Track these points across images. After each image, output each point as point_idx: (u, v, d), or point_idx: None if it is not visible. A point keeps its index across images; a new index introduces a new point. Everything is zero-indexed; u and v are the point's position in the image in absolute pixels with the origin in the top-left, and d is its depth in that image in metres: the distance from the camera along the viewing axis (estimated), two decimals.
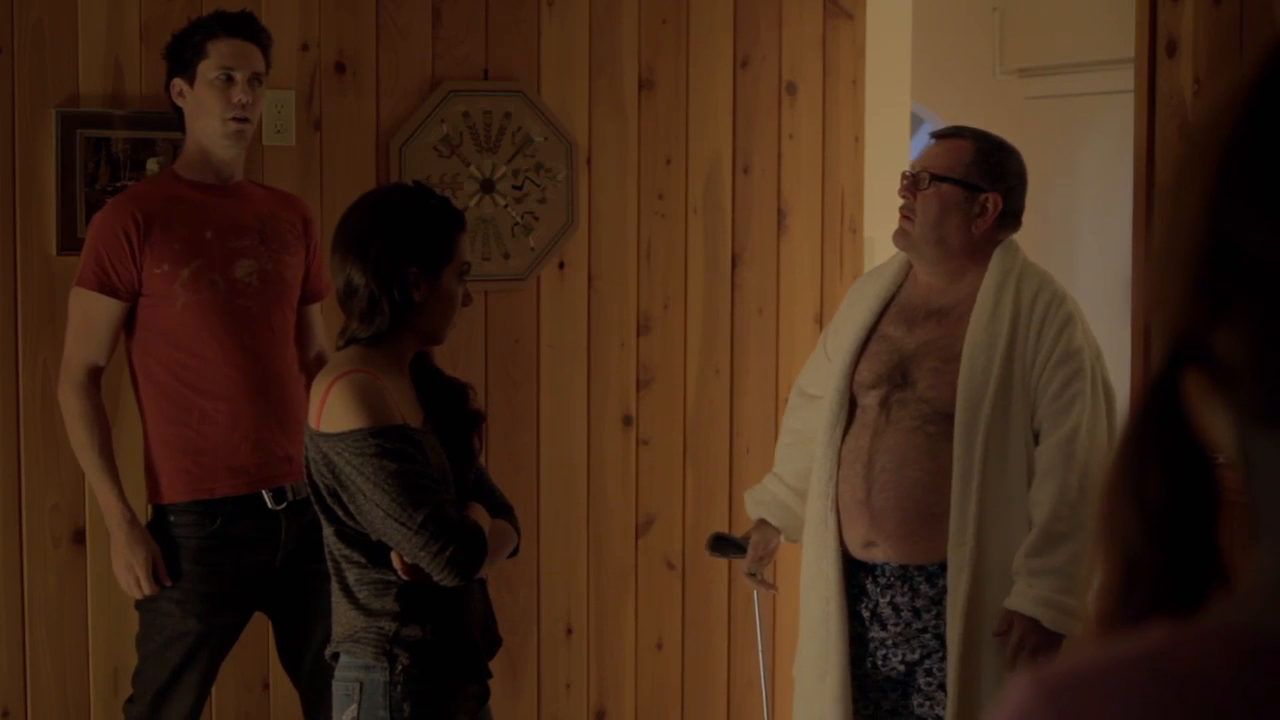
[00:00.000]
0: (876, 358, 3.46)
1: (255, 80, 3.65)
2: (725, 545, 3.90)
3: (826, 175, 4.78)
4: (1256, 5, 3.64)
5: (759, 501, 3.73)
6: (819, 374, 3.65)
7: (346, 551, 2.92)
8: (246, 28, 3.68)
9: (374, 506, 2.85)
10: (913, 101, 5.01)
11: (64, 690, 4.03)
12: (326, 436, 2.88)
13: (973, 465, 3.29)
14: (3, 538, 3.97)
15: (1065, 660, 0.83)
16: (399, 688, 2.90)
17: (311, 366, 3.79)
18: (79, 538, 4.01)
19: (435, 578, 2.89)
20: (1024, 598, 3.28)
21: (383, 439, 2.84)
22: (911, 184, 3.43)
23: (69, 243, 3.94)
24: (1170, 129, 3.88)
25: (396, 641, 2.91)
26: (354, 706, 2.92)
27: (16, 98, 3.94)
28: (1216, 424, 0.84)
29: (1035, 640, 3.27)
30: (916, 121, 5.39)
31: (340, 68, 4.24)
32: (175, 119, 3.72)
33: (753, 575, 3.71)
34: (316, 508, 2.95)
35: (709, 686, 4.70)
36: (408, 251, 2.95)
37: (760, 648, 4.02)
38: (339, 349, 3.01)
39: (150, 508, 3.67)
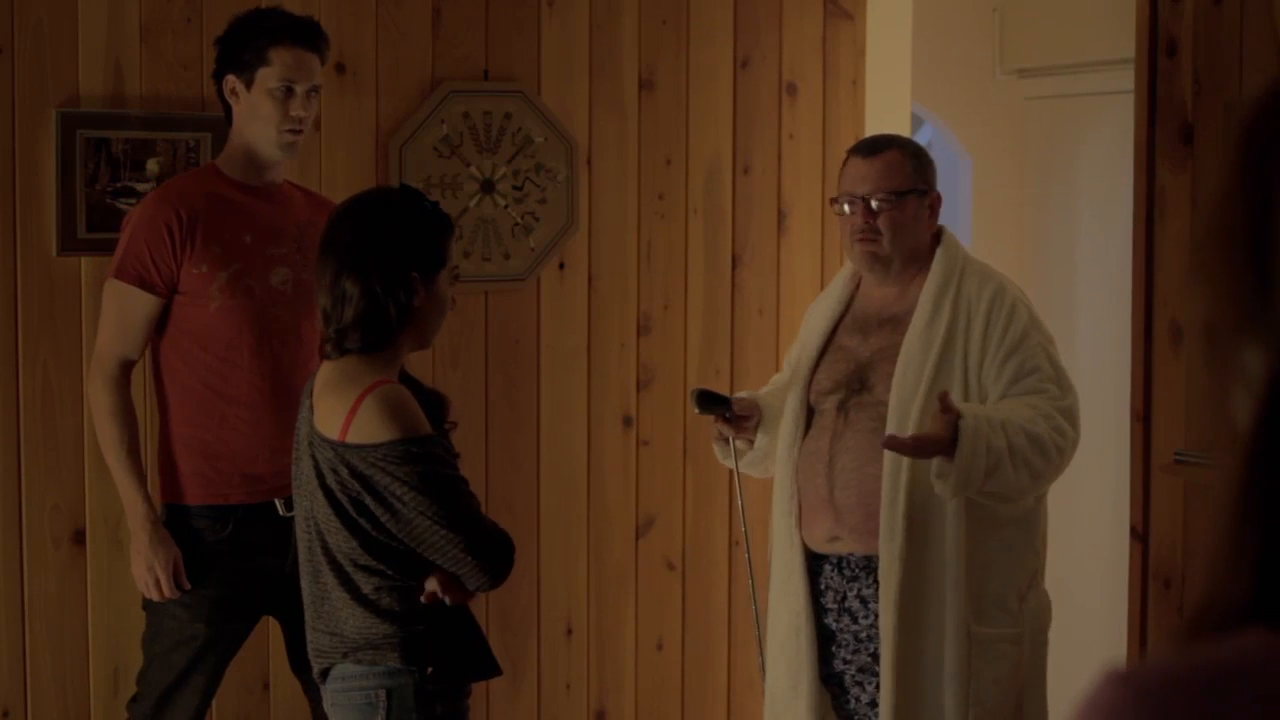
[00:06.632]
0: (834, 366, 3.54)
1: (313, 92, 3.61)
2: (712, 400, 3.58)
3: (826, 175, 4.77)
4: (1256, 5, 3.64)
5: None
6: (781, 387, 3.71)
7: (369, 562, 2.90)
8: (313, 37, 3.60)
9: (419, 515, 2.84)
10: (913, 101, 5.01)
11: (64, 690, 4.02)
12: (358, 448, 2.85)
13: (901, 462, 3.33)
14: (3, 538, 3.97)
15: (1155, 660, 0.80)
16: (429, 688, 2.91)
17: None
18: (79, 538, 4.01)
19: (470, 584, 2.91)
20: (977, 417, 3.23)
21: (425, 447, 2.84)
22: (869, 210, 3.46)
23: (69, 243, 3.93)
24: (1170, 129, 3.88)
25: (426, 644, 2.91)
26: (381, 714, 2.90)
27: (16, 98, 3.93)
28: None
29: (937, 440, 3.20)
30: (916, 121, 5.39)
31: (340, 68, 4.24)
32: (222, 114, 3.66)
33: (726, 420, 3.55)
34: (336, 520, 2.90)
35: (709, 686, 4.70)
36: (410, 257, 2.94)
37: (758, 630, 3.95)
38: (331, 358, 2.97)
39: (161, 506, 3.63)
